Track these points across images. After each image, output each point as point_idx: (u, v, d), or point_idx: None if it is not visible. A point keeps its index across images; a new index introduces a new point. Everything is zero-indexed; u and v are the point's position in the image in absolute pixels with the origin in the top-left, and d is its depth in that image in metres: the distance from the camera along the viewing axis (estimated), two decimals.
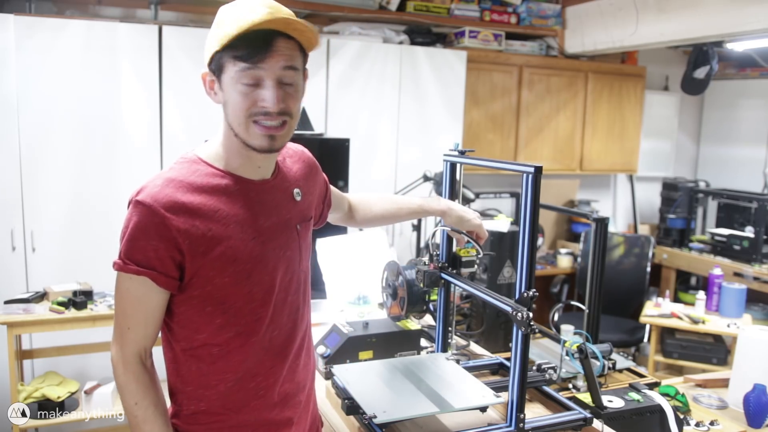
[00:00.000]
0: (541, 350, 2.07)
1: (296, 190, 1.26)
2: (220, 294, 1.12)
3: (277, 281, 1.18)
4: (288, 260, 1.21)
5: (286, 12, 1.06)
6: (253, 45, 1.05)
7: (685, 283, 4.63)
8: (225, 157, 1.16)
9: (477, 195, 3.30)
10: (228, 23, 1.06)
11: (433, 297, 1.78)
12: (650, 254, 4.14)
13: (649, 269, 4.12)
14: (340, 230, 2.40)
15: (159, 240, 1.06)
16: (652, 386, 1.83)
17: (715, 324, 3.34)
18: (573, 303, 2.24)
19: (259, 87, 1.07)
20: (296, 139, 1.20)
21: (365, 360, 1.72)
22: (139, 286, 1.08)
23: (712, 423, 1.85)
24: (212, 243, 1.09)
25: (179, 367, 1.17)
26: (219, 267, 1.10)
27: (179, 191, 1.08)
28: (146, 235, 1.06)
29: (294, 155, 1.32)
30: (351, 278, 2.33)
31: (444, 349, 1.69)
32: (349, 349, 1.72)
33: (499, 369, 1.73)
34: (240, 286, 1.13)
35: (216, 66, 1.10)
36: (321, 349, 1.72)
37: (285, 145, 1.16)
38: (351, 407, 1.36)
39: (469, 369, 1.63)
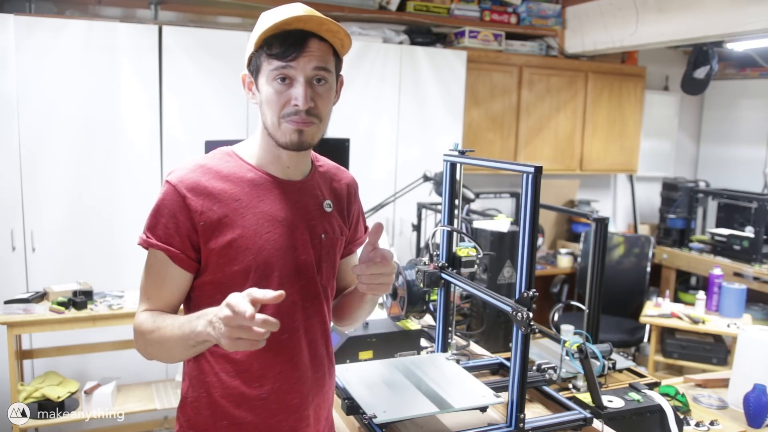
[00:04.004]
0: (541, 350, 2.07)
1: (327, 202, 1.27)
2: (229, 283, 1.13)
3: (288, 281, 1.17)
4: (302, 264, 1.20)
5: (320, 14, 1.11)
6: (287, 43, 1.10)
7: (685, 283, 4.63)
8: (258, 154, 1.20)
9: (477, 195, 3.29)
10: (265, 24, 1.11)
11: (433, 297, 1.78)
12: (650, 254, 4.14)
13: (649, 269, 4.12)
14: None
15: (178, 218, 1.11)
16: (652, 386, 1.83)
17: (715, 324, 3.34)
18: (573, 303, 2.24)
19: (291, 86, 1.12)
20: None
21: (365, 360, 1.72)
22: (160, 263, 1.13)
23: (712, 423, 1.85)
24: (225, 229, 1.12)
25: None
26: (230, 255, 1.13)
27: (205, 176, 1.14)
28: (169, 212, 1.11)
29: (338, 175, 1.33)
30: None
31: (444, 349, 1.69)
32: (349, 349, 1.73)
33: (499, 369, 1.74)
34: (248, 277, 1.14)
35: (254, 67, 1.16)
36: None
37: (312, 144, 1.18)
38: (351, 407, 1.36)
39: (469, 369, 1.63)
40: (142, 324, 1.13)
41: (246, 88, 1.20)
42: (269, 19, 1.11)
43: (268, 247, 1.15)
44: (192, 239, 1.12)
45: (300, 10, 1.10)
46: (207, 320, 0.99)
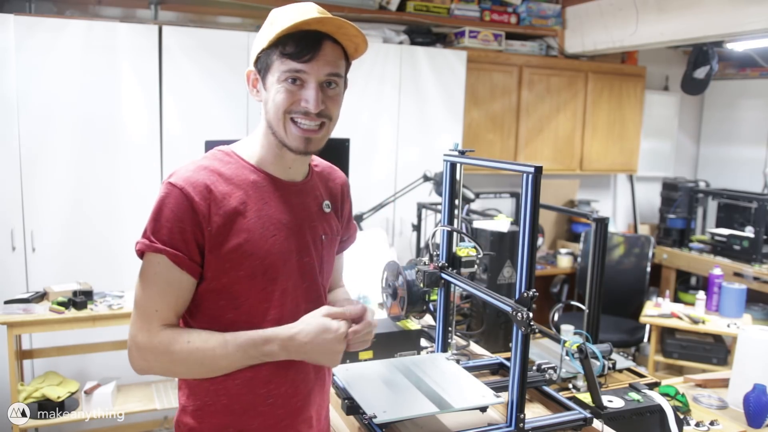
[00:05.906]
0: (541, 350, 2.07)
1: (326, 202, 1.27)
2: (234, 288, 1.12)
3: (292, 284, 1.17)
4: (306, 266, 1.19)
5: (338, 17, 1.10)
6: (303, 44, 1.08)
7: (685, 283, 4.63)
8: (259, 154, 1.19)
9: (477, 195, 3.29)
10: (280, 22, 1.09)
11: (433, 297, 1.78)
12: (650, 254, 4.13)
13: (649, 269, 4.12)
14: None
15: (186, 222, 1.07)
16: (652, 386, 1.83)
17: (715, 324, 3.34)
18: (573, 303, 2.24)
19: (303, 87, 1.11)
20: None
21: (365, 360, 1.72)
22: (165, 269, 1.08)
23: (712, 423, 1.85)
24: (232, 233, 1.10)
25: None
26: (236, 259, 1.10)
27: (210, 178, 1.11)
28: (174, 215, 1.07)
29: (333, 174, 1.34)
30: (351, 278, 2.32)
31: (444, 349, 1.69)
32: None
33: (499, 369, 1.73)
34: (254, 281, 1.12)
35: (262, 64, 1.13)
36: None
37: (320, 148, 1.17)
38: (351, 407, 1.35)
39: (469, 369, 1.63)
40: (170, 344, 1.07)
41: (250, 85, 1.18)
42: (284, 17, 1.09)
43: (274, 250, 1.13)
44: (198, 243, 1.08)
45: (315, 11, 1.09)
46: (280, 345, 1.11)
